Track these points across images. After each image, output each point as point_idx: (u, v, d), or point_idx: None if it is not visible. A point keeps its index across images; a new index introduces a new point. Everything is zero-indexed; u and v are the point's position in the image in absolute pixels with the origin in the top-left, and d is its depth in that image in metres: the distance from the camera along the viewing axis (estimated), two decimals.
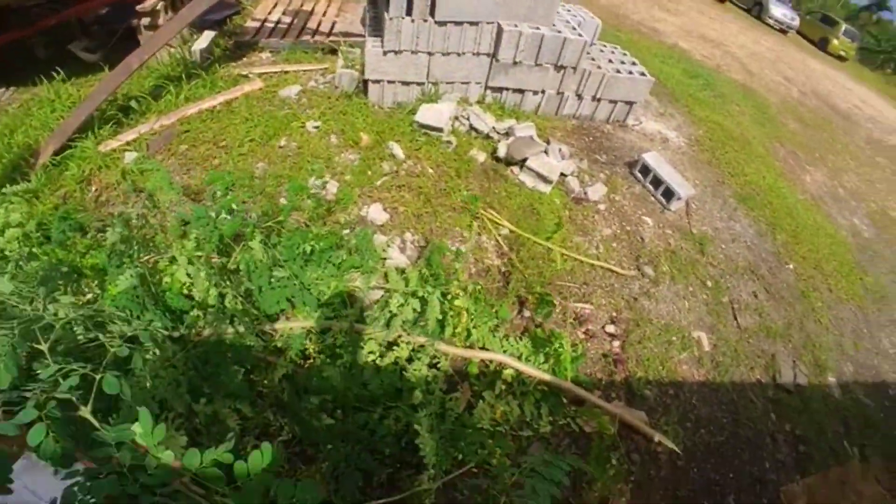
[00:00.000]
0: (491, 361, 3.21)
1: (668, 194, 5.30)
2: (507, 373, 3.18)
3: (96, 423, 1.41)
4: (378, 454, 2.64)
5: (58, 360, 1.61)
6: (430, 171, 4.50)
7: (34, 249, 3.04)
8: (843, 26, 22.61)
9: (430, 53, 5.02)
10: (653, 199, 5.35)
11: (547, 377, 3.16)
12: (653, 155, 5.62)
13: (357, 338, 3.01)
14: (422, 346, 3.10)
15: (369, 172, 4.38)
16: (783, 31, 21.06)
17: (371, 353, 3.01)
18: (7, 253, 3.05)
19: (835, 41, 22.00)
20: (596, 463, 3.10)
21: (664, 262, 4.62)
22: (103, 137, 4.43)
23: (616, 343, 3.79)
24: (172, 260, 2.93)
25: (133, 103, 4.77)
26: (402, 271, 3.39)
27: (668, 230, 5.03)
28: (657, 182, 5.39)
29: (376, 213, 3.96)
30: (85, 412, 1.43)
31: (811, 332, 4.80)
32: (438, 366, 3.09)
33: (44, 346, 1.64)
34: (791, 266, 5.44)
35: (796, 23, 21.64)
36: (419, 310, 3.07)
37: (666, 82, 8.46)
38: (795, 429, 3.96)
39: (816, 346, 4.67)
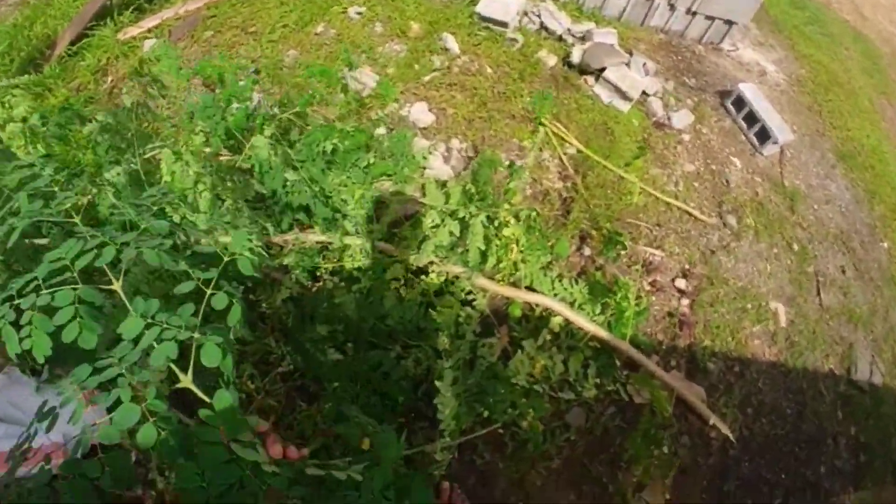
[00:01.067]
0: (537, 305, 2.67)
1: (763, 136, 4.48)
2: (555, 321, 2.65)
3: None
4: (390, 400, 2.19)
5: None
6: (489, 70, 3.79)
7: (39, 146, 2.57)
8: None
9: None
10: (743, 138, 4.53)
11: (602, 332, 2.61)
12: (750, 87, 4.73)
13: (379, 260, 2.48)
14: (457, 277, 2.57)
15: (416, 66, 3.70)
16: None
17: (395, 280, 2.49)
18: (14, 150, 2.60)
19: None
20: (642, 441, 2.63)
21: (749, 213, 3.90)
22: (123, 25, 4.00)
23: (685, 301, 3.19)
24: (177, 155, 2.40)
25: None
26: (442, 185, 2.81)
27: (756, 177, 4.26)
28: (751, 119, 4.54)
29: (420, 113, 3.32)
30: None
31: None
32: (474, 304, 2.57)
33: None
34: (886, 245, 4.59)
35: None
36: (458, 234, 2.50)
37: (769, 8, 7.28)
38: (860, 434, 3.38)
39: None
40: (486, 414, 2.31)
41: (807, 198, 4.41)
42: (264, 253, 2.38)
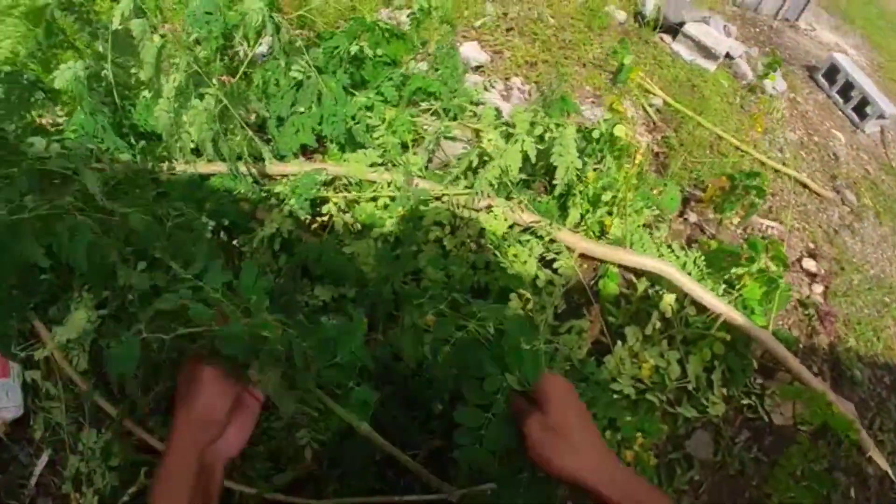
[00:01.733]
0: (640, 278, 1.98)
1: (861, 111, 3.82)
2: (667, 301, 1.91)
3: None
4: (420, 409, 1.41)
5: None
6: (552, 20, 3.22)
7: None
8: None
9: None
10: (840, 114, 3.88)
11: (737, 316, 1.88)
12: (844, 58, 4.11)
13: (416, 195, 1.78)
14: (529, 228, 1.91)
15: (465, 12, 3.14)
16: None
17: (437, 225, 1.81)
18: None
19: None
20: (792, 484, 1.84)
21: (865, 191, 3.23)
22: None
23: (818, 289, 2.50)
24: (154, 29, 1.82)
25: None
26: (501, 119, 2.14)
27: (863, 154, 3.60)
28: (847, 92, 3.90)
29: (472, 51, 2.74)
30: None
31: None
32: (556, 266, 1.88)
33: None
34: None
35: None
36: (538, 156, 1.82)
37: (838, 2, 6.72)
38: None
39: None
40: None
41: None
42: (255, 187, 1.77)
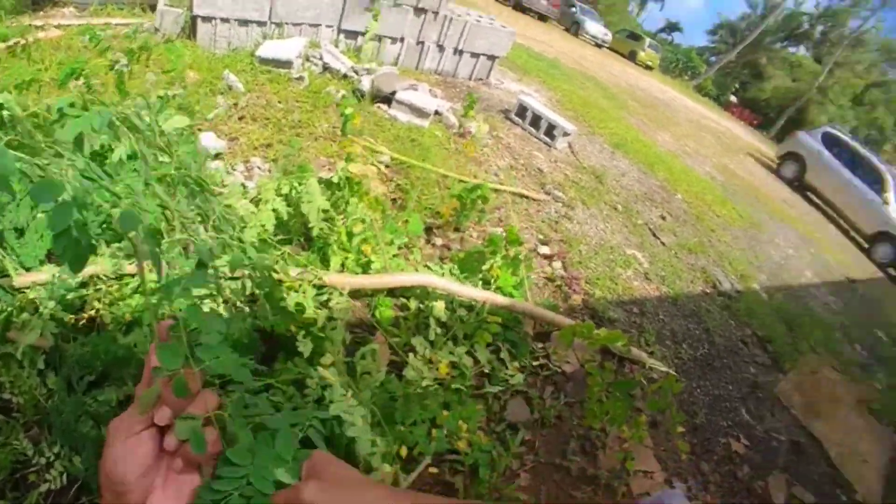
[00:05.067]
0: (409, 298, 2.27)
1: (551, 134, 4.89)
2: (438, 308, 2.22)
3: None
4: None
5: None
6: (279, 104, 3.55)
7: None
8: (647, 40, 25.70)
9: None
10: (535, 139, 4.89)
11: (499, 298, 2.30)
12: (527, 97, 5.20)
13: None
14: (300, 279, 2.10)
15: (198, 108, 3.31)
16: (599, 46, 23.12)
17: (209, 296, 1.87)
18: None
19: (642, 53, 24.79)
20: (603, 408, 2.15)
21: (569, 189, 4.15)
22: None
23: (557, 264, 3.16)
24: None
25: None
26: (248, 192, 2.29)
27: (560, 164, 4.62)
28: (537, 122, 4.96)
29: (210, 140, 2.91)
30: None
31: (719, 247, 4.72)
32: (332, 307, 2.02)
33: None
34: (679, 196, 5.41)
35: (609, 38, 23.92)
36: (290, 214, 2.04)
37: (515, 61, 8.35)
38: (756, 331, 3.77)
39: (730, 259, 4.61)
40: (404, 452, 1.70)
41: (607, 173, 4.89)
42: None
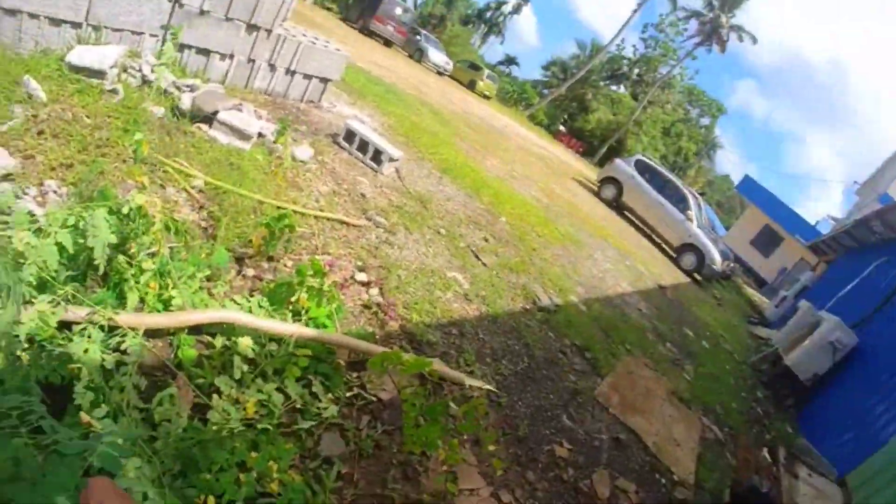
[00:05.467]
0: (217, 326, 2.29)
1: (377, 158, 5.22)
2: (243, 344, 2.26)
3: None
4: None
5: None
6: (87, 119, 3.41)
7: None
8: (486, 71, 27.81)
9: None
10: (362, 165, 5.19)
11: (307, 331, 2.40)
12: (356, 122, 5.49)
13: None
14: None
15: None
16: (440, 74, 24.43)
17: None
18: None
19: (480, 83, 26.70)
20: (422, 432, 2.27)
21: (393, 214, 4.48)
22: None
23: (374, 291, 3.39)
24: None
25: None
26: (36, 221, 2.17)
27: (386, 189, 4.95)
28: (364, 147, 5.26)
29: None
30: None
31: (540, 265, 5.41)
32: (126, 350, 1.95)
33: None
34: (503, 219, 6.10)
35: (450, 67, 25.45)
36: (75, 248, 2.03)
37: (352, 83, 8.64)
38: (574, 341, 4.31)
39: (550, 276, 5.29)
40: (212, 501, 1.66)
41: (432, 198, 5.35)
42: None
